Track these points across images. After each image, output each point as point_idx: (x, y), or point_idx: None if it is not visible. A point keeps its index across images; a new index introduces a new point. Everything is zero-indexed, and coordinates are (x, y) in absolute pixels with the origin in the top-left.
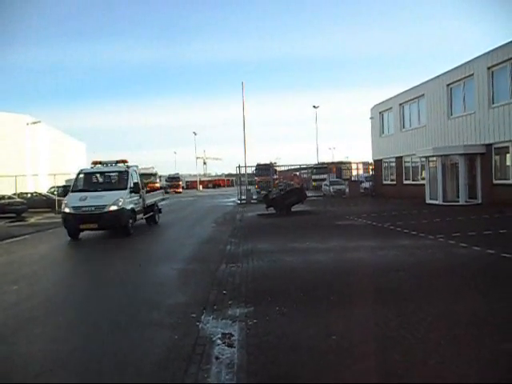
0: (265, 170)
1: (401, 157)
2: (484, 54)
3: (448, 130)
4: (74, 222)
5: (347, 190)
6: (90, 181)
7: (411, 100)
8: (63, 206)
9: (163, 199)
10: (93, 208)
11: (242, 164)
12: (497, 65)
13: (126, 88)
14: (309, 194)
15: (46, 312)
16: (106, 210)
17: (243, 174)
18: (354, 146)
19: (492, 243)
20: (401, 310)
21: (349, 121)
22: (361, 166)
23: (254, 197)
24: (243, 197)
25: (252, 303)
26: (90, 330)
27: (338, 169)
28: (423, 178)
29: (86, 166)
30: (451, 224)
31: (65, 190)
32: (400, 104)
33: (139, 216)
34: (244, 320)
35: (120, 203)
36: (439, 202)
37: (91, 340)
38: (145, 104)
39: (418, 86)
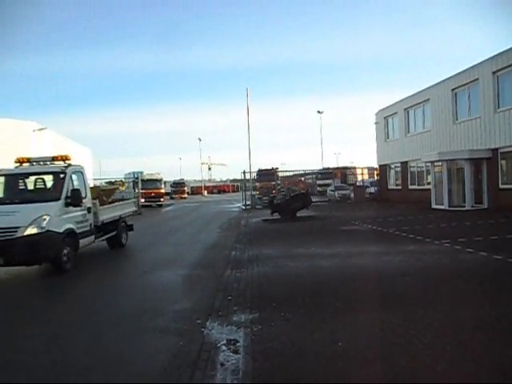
0: (266, 175)
1: (406, 162)
2: (489, 59)
3: (453, 134)
4: None
5: (352, 195)
6: (10, 187)
7: (416, 105)
8: None
9: (136, 212)
10: None
11: (247, 169)
12: (502, 69)
13: (130, 94)
14: (314, 199)
15: (50, 316)
16: (17, 234)
17: (248, 180)
18: (358, 151)
19: (499, 248)
20: (407, 316)
21: (353, 126)
22: (366, 171)
23: (258, 202)
24: (248, 202)
25: (257, 309)
26: (95, 334)
27: (343, 174)
28: (429, 183)
29: (93, 171)
30: (457, 229)
31: None
32: (405, 109)
33: (86, 240)
34: (249, 326)
35: (44, 223)
36: (445, 206)
37: (95, 347)
38: (150, 110)
39: (422, 90)
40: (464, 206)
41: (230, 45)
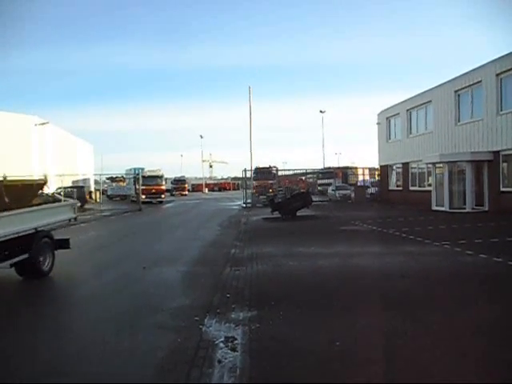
0: (263, 173)
1: (407, 163)
2: (492, 61)
3: (455, 136)
4: None
5: (353, 196)
6: None
7: (418, 106)
8: None
9: (70, 221)
10: None
11: (248, 168)
12: (505, 72)
13: (133, 90)
14: (314, 198)
15: (49, 311)
16: None
17: (249, 178)
18: (360, 152)
19: (499, 251)
20: (406, 317)
21: (355, 126)
22: (367, 171)
23: (255, 201)
24: (249, 200)
25: (255, 307)
26: (93, 330)
27: (344, 174)
28: (430, 185)
29: (94, 166)
30: (457, 231)
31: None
32: (407, 110)
33: None
34: (247, 324)
35: None
36: (445, 208)
37: (93, 342)
38: (152, 106)
39: (425, 91)
40: (464, 208)
41: (233, 43)
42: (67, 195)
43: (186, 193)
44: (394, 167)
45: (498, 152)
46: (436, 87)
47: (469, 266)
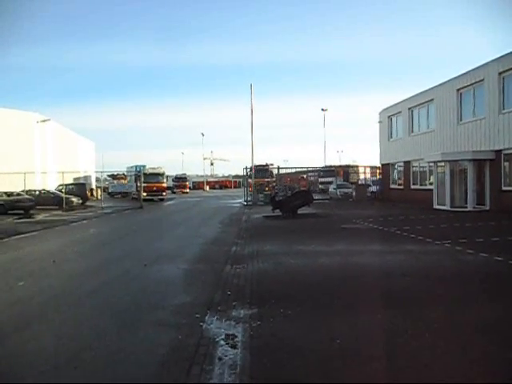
0: (260, 171)
1: (409, 161)
2: (495, 60)
3: (457, 135)
4: None
5: (354, 194)
6: None
7: (420, 104)
8: None
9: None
10: None
11: (250, 165)
12: (508, 70)
13: (134, 87)
14: (315, 196)
15: (52, 309)
16: None
17: (250, 176)
18: (361, 150)
19: (500, 250)
20: (406, 316)
21: (357, 124)
22: (368, 169)
23: (250, 199)
24: (250, 198)
25: (256, 305)
26: (95, 327)
27: (345, 172)
28: (431, 183)
29: (96, 164)
30: (458, 230)
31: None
32: (409, 108)
33: None
34: (248, 321)
35: None
36: (447, 207)
37: (95, 338)
38: (153, 104)
39: (427, 90)
40: (466, 207)
41: (235, 41)
42: (68, 192)
43: (187, 190)
44: (396, 166)
45: (500, 151)
46: (438, 86)
47: (470, 265)
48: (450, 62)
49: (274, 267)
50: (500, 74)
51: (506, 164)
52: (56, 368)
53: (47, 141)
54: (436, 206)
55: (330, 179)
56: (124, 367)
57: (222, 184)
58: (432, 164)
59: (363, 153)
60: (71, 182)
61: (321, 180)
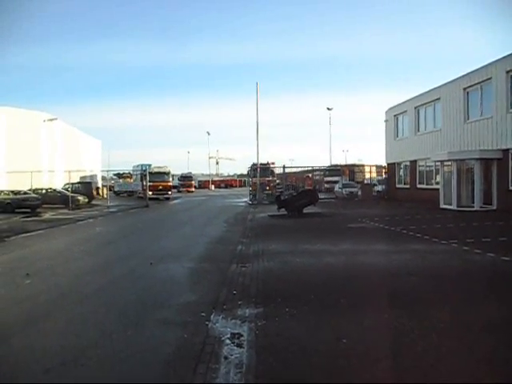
0: (262, 170)
1: (415, 160)
2: (503, 58)
3: (464, 134)
4: None
5: (360, 193)
6: None
7: (427, 103)
8: None
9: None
10: None
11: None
12: None
13: (140, 86)
14: (321, 196)
15: (58, 307)
16: None
17: (255, 175)
18: (367, 149)
19: (507, 250)
20: (413, 315)
21: (363, 123)
22: (374, 168)
23: (251, 199)
24: (254, 197)
25: (262, 304)
26: (101, 325)
27: (351, 171)
28: (437, 183)
29: (102, 162)
30: (465, 230)
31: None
32: (415, 107)
33: None
34: (253, 320)
35: None
36: (453, 207)
37: (101, 336)
38: (159, 103)
39: (434, 89)
40: (473, 207)
41: (241, 39)
42: (75, 191)
43: (193, 189)
44: (402, 165)
45: (508, 150)
46: (444, 84)
47: (477, 265)
48: (457, 61)
49: (279, 266)
50: (508, 72)
51: None
52: (62, 365)
53: (54, 140)
54: (442, 206)
55: (335, 178)
56: (130, 365)
57: (227, 183)
58: (438, 163)
59: (369, 152)
60: (78, 180)
61: (326, 179)
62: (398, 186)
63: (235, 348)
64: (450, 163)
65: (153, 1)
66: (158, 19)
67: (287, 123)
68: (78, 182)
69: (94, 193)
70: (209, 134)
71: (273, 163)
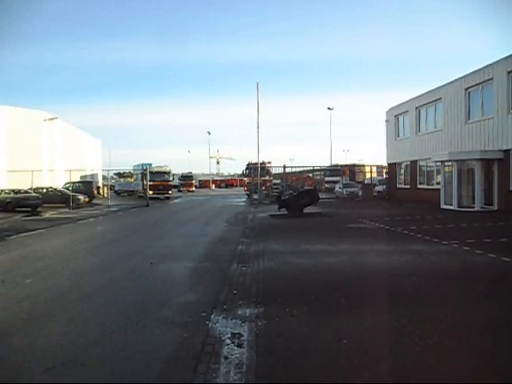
0: (256, 169)
1: (416, 161)
2: (504, 58)
3: (465, 134)
4: None
5: (360, 193)
6: None
7: (428, 103)
8: None
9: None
10: None
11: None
12: None
13: (141, 86)
14: (321, 196)
15: (59, 306)
16: None
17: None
18: (368, 149)
19: (508, 251)
20: (413, 316)
21: (363, 123)
22: (374, 168)
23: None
24: (255, 197)
25: (262, 304)
26: (101, 325)
27: (352, 171)
28: (438, 183)
29: (102, 162)
30: (466, 230)
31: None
32: (416, 107)
33: None
34: (254, 320)
35: None
36: (454, 207)
37: (101, 336)
38: (160, 102)
39: (435, 89)
40: (473, 207)
41: (241, 40)
42: (75, 190)
43: (193, 189)
44: (403, 165)
45: (509, 151)
46: (446, 85)
47: (477, 266)
48: (457, 62)
49: (280, 266)
50: (509, 72)
51: None
52: (63, 365)
53: (55, 139)
54: (443, 206)
55: (336, 178)
56: (130, 365)
57: (227, 183)
58: (439, 163)
59: (370, 152)
60: (78, 180)
61: (327, 179)
62: (398, 186)
63: (235, 348)
64: (450, 163)
65: (153, 1)
66: (157, 19)
67: (287, 123)
68: (79, 182)
69: (95, 192)
70: (209, 133)
71: (269, 162)
